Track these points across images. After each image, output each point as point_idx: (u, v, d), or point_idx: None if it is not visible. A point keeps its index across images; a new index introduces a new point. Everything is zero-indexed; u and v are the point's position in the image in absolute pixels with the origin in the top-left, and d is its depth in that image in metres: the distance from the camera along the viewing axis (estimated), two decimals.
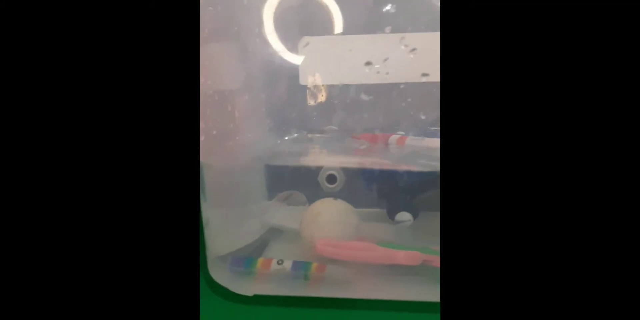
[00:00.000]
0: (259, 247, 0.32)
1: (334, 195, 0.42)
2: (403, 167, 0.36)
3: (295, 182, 0.41)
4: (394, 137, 0.34)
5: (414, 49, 0.37)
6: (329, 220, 0.29)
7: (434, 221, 0.37)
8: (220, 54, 0.39)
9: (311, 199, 0.38)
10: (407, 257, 0.27)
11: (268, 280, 0.27)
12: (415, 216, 0.38)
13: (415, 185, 0.38)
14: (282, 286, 0.26)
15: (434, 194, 0.42)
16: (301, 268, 0.26)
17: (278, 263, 0.26)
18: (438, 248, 0.28)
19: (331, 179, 0.42)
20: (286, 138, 0.42)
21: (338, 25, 0.39)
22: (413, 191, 0.38)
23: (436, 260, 0.27)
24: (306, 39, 0.41)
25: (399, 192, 0.38)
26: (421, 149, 0.32)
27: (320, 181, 0.42)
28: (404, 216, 0.37)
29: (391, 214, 0.39)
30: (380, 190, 0.41)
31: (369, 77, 0.40)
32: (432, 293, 0.25)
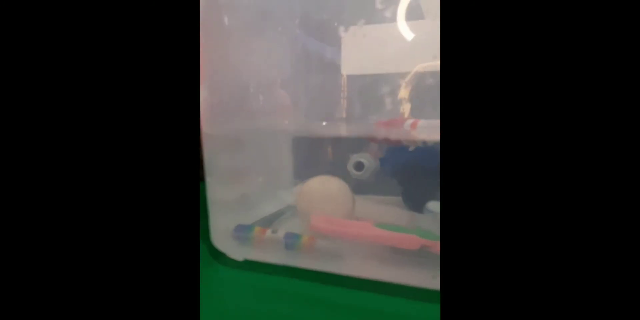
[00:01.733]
0: (270, 220, 0.34)
1: (362, 182, 0.43)
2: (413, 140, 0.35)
3: (322, 167, 0.42)
4: (408, 122, 0.34)
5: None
6: (322, 197, 0.30)
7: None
8: (261, 46, 0.42)
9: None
10: (404, 240, 0.26)
11: (263, 248, 0.28)
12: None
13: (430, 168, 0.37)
14: (274, 255, 0.27)
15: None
16: (293, 238, 0.27)
17: (272, 232, 0.28)
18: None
19: (359, 166, 0.42)
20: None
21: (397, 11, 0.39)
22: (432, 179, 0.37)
23: (436, 246, 0.26)
24: (352, 29, 0.43)
25: (420, 178, 0.37)
26: (431, 132, 0.31)
27: (349, 168, 0.43)
28: (437, 207, 0.36)
29: (408, 201, 0.38)
30: (401, 177, 0.40)
31: (409, 65, 0.40)
32: (430, 280, 0.24)
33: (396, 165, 0.41)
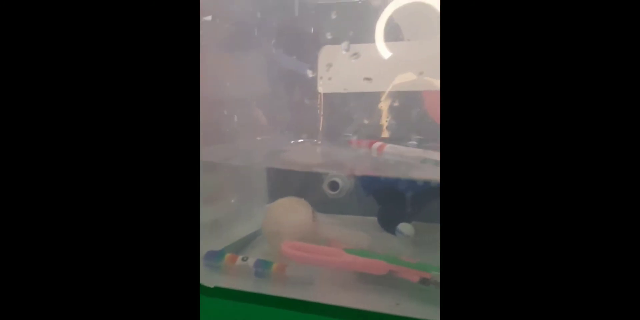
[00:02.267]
0: (243, 244, 0.34)
1: (338, 202, 0.43)
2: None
3: (297, 187, 0.42)
4: (376, 144, 0.35)
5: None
6: (279, 219, 0.31)
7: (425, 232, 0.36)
8: (235, 64, 0.43)
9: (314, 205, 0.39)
10: (372, 265, 0.27)
11: (234, 276, 0.28)
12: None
13: (411, 194, 0.38)
14: (244, 282, 0.28)
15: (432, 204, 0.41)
16: (263, 266, 0.28)
17: (243, 259, 0.28)
18: (410, 259, 0.27)
19: (334, 185, 0.43)
20: (292, 142, 0.44)
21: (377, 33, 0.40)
22: (410, 200, 0.38)
23: (403, 271, 0.27)
24: (326, 48, 0.44)
25: (396, 200, 0.38)
26: (395, 157, 0.32)
27: (324, 188, 0.43)
28: (407, 229, 0.36)
29: (383, 222, 0.39)
30: (378, 197, 0.41)
31: (383, 85, 0.41)
32: (397, 306, 0.25)
33: (372, 186, 0.42)
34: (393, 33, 0.40)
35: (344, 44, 0.38)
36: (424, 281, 0.26)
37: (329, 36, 0.42)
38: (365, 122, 0.42)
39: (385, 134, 0.40)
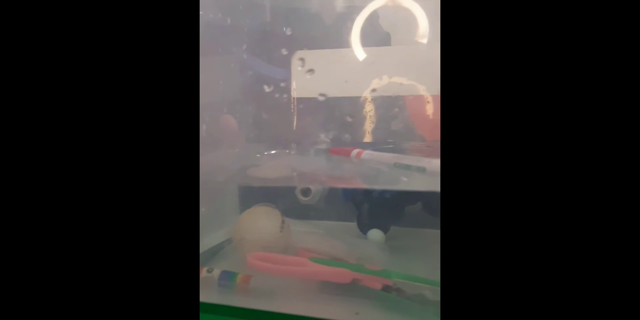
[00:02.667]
0: (210, 254, 0.34)
1: (310, 208, 0.44)
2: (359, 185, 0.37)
3: (270, 193, 0.42)
4: (354, 151, 0.35)
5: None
6: (247, 229, 0.31)
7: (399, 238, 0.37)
8: (204, 70, 0.43)
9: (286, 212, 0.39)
10: (336, 274, 0.28)
11: (201, 287, 0.29)
12: (385, 232, 0.38)
13: (388, 199, 0.38)
14: (209, 294, 0.28)
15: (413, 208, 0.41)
16: (227, 278, 0.28)
17: (208, 271, 0.28)
18: (374, 267, 0.28)
19: (306, 191, 0.43)
20: (265, 153, 0.44)
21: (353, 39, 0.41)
22: (386, 205, 0.38)
23: (366, 279, 0.27)
24: (299, 53, 0.44)
25: (372, 206, 0.39)
26: (373, 163, 0.33)
27: (297, 193, 0.43)
28: (376, 235, 0.37)
29: (362, 227, 0.39)
30: (356, 203, 0.41)
31: (359, 90, 0.42)
32: (357, 315, 0.25)
33: (350, 193, 0.42)
34: (375, 38, 0.41)
35: (300, 62, 0.38)
36: (386, 288, 0.27)
37: (302, 41, 0.43)
38: (344, 127, 0.42)
39: (369, 139, 0.41)
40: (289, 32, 0.44)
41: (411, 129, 0.40)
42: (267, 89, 0.39)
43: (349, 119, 0.41)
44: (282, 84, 0.42)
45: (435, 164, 0.27)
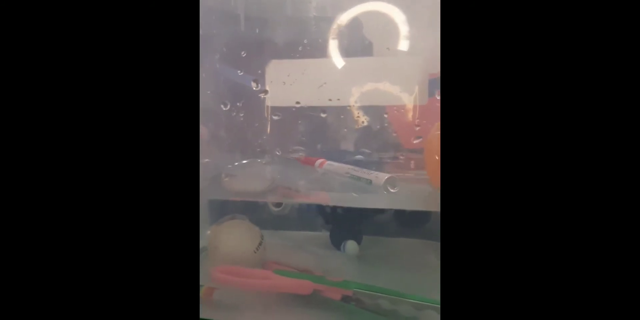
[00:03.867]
0: None
1: (282, 218, 0.45)
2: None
3: (240, 204, 0.43)
4: (319, 161, 0.37)
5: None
6: (226, 238, 0.32)
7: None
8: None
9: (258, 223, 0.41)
10: (297, 285, 0.29)
11: None
12: (357, 243, 0.39)
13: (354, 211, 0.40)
14: None
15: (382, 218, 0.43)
16: None
17: None
18: (335, 278, 0.29)
19: (277, 203, 0.44)
20: (236, 164, 0.45)
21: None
22: (357, 216, 0.40)
23: (327, 290, 0.29)
24: (274, 62, 0.45)
25: (343, 218, 0.40)
26: (332, 174, 0.34)
27: (269, 204, 0.45)
28: (351, 248, 0.38)
29: (334, 239, 0.40)
30: (325, 215, 0.43)
31: (335, 99, 0.43)
32: None
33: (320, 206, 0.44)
34: (356, 48, 0.42)
35: (253, 84, 0.39)
36: (345, 299, 0.28)
37: (276, 50, 0.44)
38: (318, 136, 0.43)
39: (346, 148, 0.42)
40: (263, 42, 0.45)
41: (391, 138, 0.41)
42: (254, 87, 0.40)
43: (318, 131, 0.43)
44: (264, 95, 0.43)
45: (381, 177, 0.28)
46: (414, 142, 0.33)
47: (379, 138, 0.41)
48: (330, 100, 0.38)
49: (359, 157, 0.41)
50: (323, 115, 0.40)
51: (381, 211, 0.42)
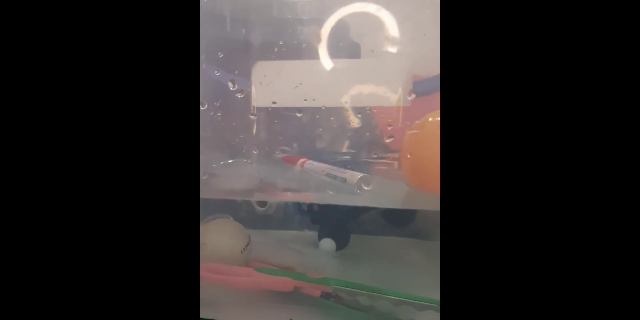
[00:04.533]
0: None
1: (267, 217, 0.46)
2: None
3: (225, 209, 0.44)
4: (300, 160, 0.38)
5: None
6: (214, 236, 0.33)
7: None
8: None
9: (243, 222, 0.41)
10: (278, 283, 0.30)
11: None
12: (345, 242, 0.40)
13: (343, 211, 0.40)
14: None
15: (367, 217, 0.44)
16: None
17: None
18: (315, 275, 0.30)
19: (262, 202, 0.45)
20: (222, 163, 0.45)
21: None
22: (344, 215, 0.41)
23: (307, 287, 0.30)
24: (260, 63, 0.46)
25: (330, 217, 0.41)
26: (312, 172, 0.35)
27: (253, 203, 0.46)
28: (327, 245, 0.39)
29: (322, 239, 0.41)
30: (312, 214, 0.44)
31: (319, 101, 0.44)
32: None
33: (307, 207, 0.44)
34: (344, 49, 0.43)
35: (230, 84, 0.40)
36: (325, 295, 0.29)
37: (263, 51, 0.45)
38: (305, 137, 0.44)
39: (334, 149, 0.43)
40: (249, 43, 0.46)
41: (379, 139, 0.42)
42: (231, 87, 0.41)
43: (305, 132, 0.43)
44: (241, 95, 0.43)
45: (355, 176, 0.29)
46: (387, 141, 0.34)
47: (366, 138, 0.42)
48: (305, 100, 0.39)
49: (345, 157, 0.42)
50: (299, 114, 0.40)
51: (367, 210, 0.43)
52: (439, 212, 0.16)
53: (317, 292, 0.29)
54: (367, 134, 0.40)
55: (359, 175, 0.30)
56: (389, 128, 0.36)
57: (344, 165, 0.36)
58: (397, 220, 0.43)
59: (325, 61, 0.43)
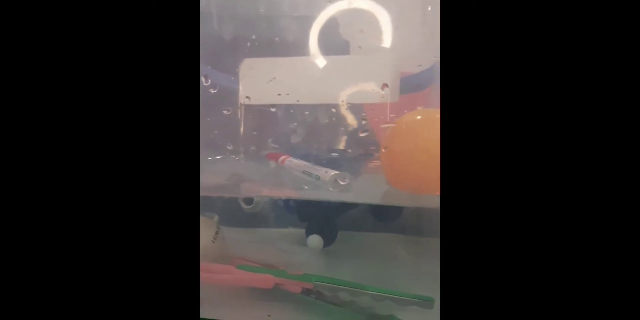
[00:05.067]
0: None
1: (254, 215, 0.46)
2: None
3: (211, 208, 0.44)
4: (282, 157, 0.38)
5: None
6: None
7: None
8: None
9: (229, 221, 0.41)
10: (259, 280, 0.30)
11: None
12: (333, 238, 0.40)
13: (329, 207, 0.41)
14: None
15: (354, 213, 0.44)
16: None
17: None
18: (296, 272, 0.30)
19: (248, 200, 0.45)
20: (209, 158, 0.45)
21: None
22: (331, 212, 0.41)
23: (288, 284, 0.30)
24: (247, 60, 0.46)
25: (318, 214, 0.41)
26: (292, 169, 0.35)
27: (240, 202, 0.46)
28: (314, 242, 0.39)
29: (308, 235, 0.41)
30: (300, 212, 0.44)
31: (303, 98, 0.44)
32: (269, 318, 0.27)
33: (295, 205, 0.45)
34: (333, 46, 0.43)
35: (202, 79, 0.40)
36: (306, 292, 0.29)
37: (250, 49, 0.45)
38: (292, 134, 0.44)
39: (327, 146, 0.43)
40: (236, 40, 0.46)
41: (370, 136, 0.42)
42: (204, 82, 0.41)
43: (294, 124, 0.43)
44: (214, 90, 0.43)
45: (328, 173, 0.30)
46: (360, 135, 0.34)
47: (355, 136, 0.42)
48: (279, 95, 0.39)
49: (334, 154, 0.42)
50: (272, 110, 0.41)
51: (354, 206, 0.43)
52: (423, 209, 0.16)
53: (298, 288, 0.29)
54: (342, 128, 0.41)
55: (333, 172, 0.30)
56: (363, 122, 0.36)
57: (334, 162, 0.36)
58: (383, 216, 0.43)
59: (316, 58, 0.43)
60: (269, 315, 0.27)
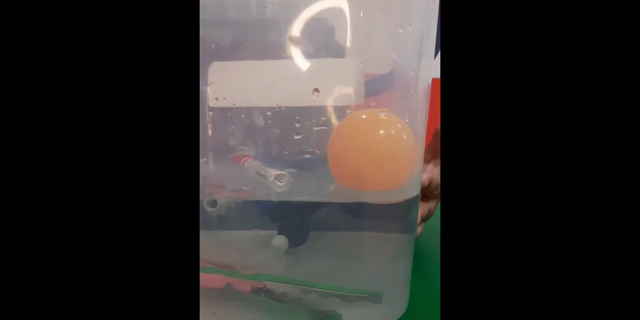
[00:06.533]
0: None
1: (219, 218, 0.47)
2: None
3: None
4: (244, 159, 0.39)
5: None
6: None
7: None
8: None
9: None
10: (210, 280, 0.31)
11: None
12: (303, 239, 0.41)
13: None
14: None
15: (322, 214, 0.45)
16: None
17: None
18: (248, 271, 0.31)
19: (212, 203, 0.46)
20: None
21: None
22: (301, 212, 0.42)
23: (239, 283, 0.31)
24: (215, 64, 0.47)
25: (288, 214, 0.42)
26: (251, 171, 0.37)
27: (204, 205, 0.47)
28: (278, 243, 0.40)
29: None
30: (271, 213, 0.45)
31: (272, 101, 0.45)
32: (214, 315, 0.29)
33: (265, 206, 0.46)
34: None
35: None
36: (256, 290, 0.30)
37: (218, 51, 0.46)
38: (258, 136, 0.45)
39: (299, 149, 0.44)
40: (204, 43, 0.47)
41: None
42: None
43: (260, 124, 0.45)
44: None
45: (271, 173, 0.31)
46: (295, 138, 0.36)
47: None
48: (216, 99, 0.40)
49: (307, 156, 0.43)
50: (242, 116, 0.42)
51: (324, 205, 0.45)
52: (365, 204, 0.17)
53: (248, 287, 0.30)
54: (278, 131, 0.42)
55: (275, 172, 0.32)
56: (297, 125, 0.37)
57: (306, 163, 0.37)
58: (350, 214, 0.45)
59: (289, 61, 0.44)
60: (214, 313, 0.28)
